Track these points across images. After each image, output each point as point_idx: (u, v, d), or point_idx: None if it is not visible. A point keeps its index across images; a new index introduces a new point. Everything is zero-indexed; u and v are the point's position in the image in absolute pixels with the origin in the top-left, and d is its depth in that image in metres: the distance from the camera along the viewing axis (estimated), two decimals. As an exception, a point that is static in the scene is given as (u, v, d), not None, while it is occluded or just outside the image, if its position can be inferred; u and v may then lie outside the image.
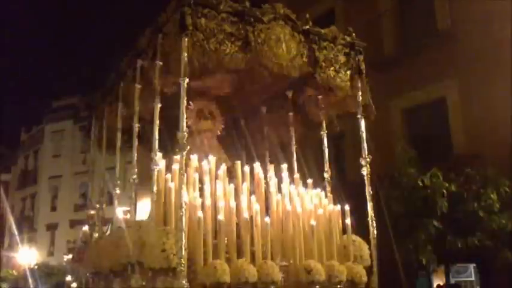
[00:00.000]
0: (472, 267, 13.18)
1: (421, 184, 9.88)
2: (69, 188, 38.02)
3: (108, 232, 6.79)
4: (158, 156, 5.46)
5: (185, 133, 5.00)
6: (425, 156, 11.12)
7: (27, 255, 34.11)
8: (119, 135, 6.74)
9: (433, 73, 12.89)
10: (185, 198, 4.81)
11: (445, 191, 9.74)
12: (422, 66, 13.18)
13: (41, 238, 38.23)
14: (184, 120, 5.06)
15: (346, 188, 7.21)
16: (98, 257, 6.16)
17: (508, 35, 11.51)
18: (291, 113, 7.27)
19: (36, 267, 32.21)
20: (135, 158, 6.06)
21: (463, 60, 12.45)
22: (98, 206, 7.14)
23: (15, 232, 36.70)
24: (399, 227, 9.31)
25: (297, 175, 6.33)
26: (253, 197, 5.43)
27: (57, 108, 39.45)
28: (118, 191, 6.42)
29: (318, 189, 6.13)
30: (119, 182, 6.51)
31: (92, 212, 7.39)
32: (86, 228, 7.33)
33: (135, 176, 5.94)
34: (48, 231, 38.46)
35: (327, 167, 6.56)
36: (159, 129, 5.59)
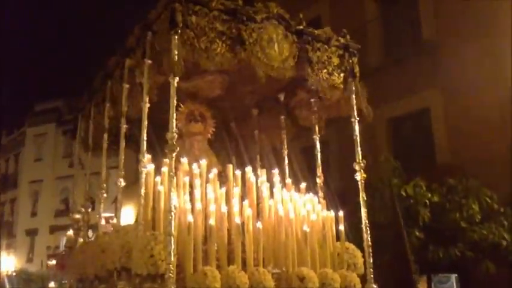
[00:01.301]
0: (453, 277, 13.17)
1: (404, 194, 9.82)
2: (50, 193, 37.50)
3: (93, 237, 6.56)
4: (146, 158, 5.26)
5: (175, 134, 4.82)
6: (408, 166, 11.09)
7: (5, 262, 33.53)
8: (106, 136, 6.53)
9: (418, 83, 12.89)
10: (175, 202, 4.62)
11: (427, 201, 9.72)
12: (406, 75, 13.16)
13: (20, 244, 37.63)
14: (174, 121, 4.88)
15: (330, 197, 7.06)
16: (82, 263, 5.93)
17: (493, 45, 11.53)
18: (282, 116, 7.10)
19: (14, 273, 31.67)
20: (122, 160, 5.84)
21: (448, 70, 12.42)
22: (83, 209, 6.90)
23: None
24: (382, 237, 9.28)
25: (289, 180, 6.15)
26: (245, 202, 5.23)
27: (40, 111, 38.94)
28: (105, 195, 6.19)
29: (311, 195, 5.95)
30: (105, 185, 6.27)
31: (77, 216, 7.14)
32: (70, 232, 7.08)
33: (121, 179, 5.73)
34: (27, 236, 37.84)
35: (319, 172, 6.39)
36: (148, 132, 5.39)
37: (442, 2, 13.09)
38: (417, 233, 9.56)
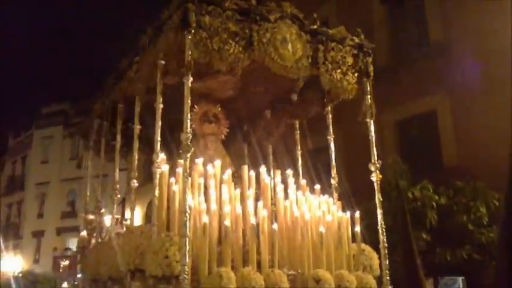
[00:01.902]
0: (460, 280, 13.09)
1: (411, 196, 9.74)
2: (56, 195, 37.58)
3: (106, 238, 6.51)
4: (161, 158, 5.21)
5: (189, 134, 4.77)
6: (415, 168, 11.00)
7: (11, 263, 33.57)
8: (119, 137, 6.48)
9: (425, 85, 12.78)
10: (190, 202, 4.57)
11: (434, 203, 9.62)
12: (414, 78, 13.07)
13: (27, 245, 37.69)
14: (189, 121, 4.83)
15: (345, 198, 7.00)
16: (96, 264, 5.88)
17: (501, 48, 11.42)
18: (296, 117, 7.04)
19: (20, 275, 31.70)
20: (136, 160, 5.79)
21: (455, 72, 12.32)
22: (97, 210, 6.86)
23: (0, 239, 36.14)
24: (388, 240, 9.23)
25: (303, 181, 6.08)
26: (260, 203, 5.17)
27: (47, 113, 39.07)
28: (119, 195, 6.14)
29: (326, 196, 5.88)
30: (118, 186, 6.22)
31: (91, 216, 7.10)
32: (83, 233, 7.03)
33: (135, 180, 5.68)
34: (34, 238, 37.90)
35: (333, 172, 6.29)
36: (161, 133, 5.34)
37: (449, 4, 13.00)
38: (424, 236, 9.50)
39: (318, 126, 6.92)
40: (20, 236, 38.69)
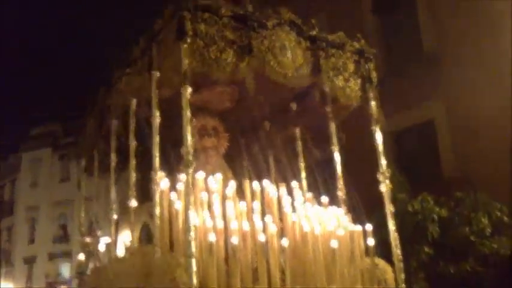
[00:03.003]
0: None
1: (411, 210, 9.53)
2: (47, 219, 36.93)
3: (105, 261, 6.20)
4: (160, 175, 4.94)
5: (190, 148, 4.52)
6: (414, 180, 10.78)
7: (3, 292, 32.94)
8: (113, 156, 6.20)
9: (420, 94, 12.59)
10: (194, 220, 4.30)
11: (435, 216, 9.43)
12: (408, 87, 12.87)
13: (19, 272, 36.93)
14: (189, 134, 4.60)
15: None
16: (97, 288, 5.56)
17: (496, 55, 11.33)
18: (296, 127, 6.81)
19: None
20: (134, 178, 5.50)
21: (451, 81, 12.13)
22: (93, 232, 6.56)
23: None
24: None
25: (309, 194, 5.82)
26: (267, 218, 4.89)
27: (35, 135, 38.47)
28: (115, 216, 5.84)
29: (334, 208, 5.61)
30: (114, 206, 5.92)
31: (88, 239, 6.79)
32: (81, 257, 6.70)
33: (133, 199, 5.40)
34: (25, 265, 37.17)
35: (340, 184, 6.02)
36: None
37: (443, 12, 12.90)
38: (426, 249, 9.25)
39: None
40: (12, 263, 37.94)
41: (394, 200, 9.41)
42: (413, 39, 13.68)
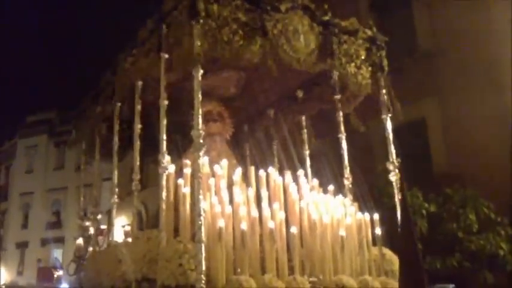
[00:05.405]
0: (451, 287, 12.94)
1: None
2: (41, 205, 36.74)
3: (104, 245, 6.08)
4: (167, 159, 4.80)
5: (201, 131, 4.39)
6: (405, 175, 10.75)
7: (-5, 275, 32.83)
8: (116, 139, 6.06)
9: (413, 92, 12.51)
10: (203, 205, 4.18)
11: (424, 211, 9.42)
12: (402, 85, 12.76)
13: (10, 257, 36.78)
14: (200, 117, 4.46)
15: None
16: (96, 274, 5.43)
17: (490, 54, 11.25)
18: (302, 115, 6.68)
19: (4, 287, 30.95)
20: (138, 162, 5.36)
21: (444, 79, 12.12)
22: (93, 216, 6.42)
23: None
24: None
25: (315, 181, 5.68)
26: (276, 205, 4.77)
27: (32, 122, 38.23)
28: (117, 200, 5.69)
29: (341, 196, 5.49)
30: (116, 189, 5.78)
31: (87, 223, 6.63)
32: (80, 241, 6.56)
33: (137, 183, 5.26)
34: (18, 249, 37.02)
35: (347, 172, 5.86)
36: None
37: (438, 11, 12.81)
38: None
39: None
40: (4, 247, 37.79)
41: (385, 195, 9.52)
42: (408, 38, 13.61)
